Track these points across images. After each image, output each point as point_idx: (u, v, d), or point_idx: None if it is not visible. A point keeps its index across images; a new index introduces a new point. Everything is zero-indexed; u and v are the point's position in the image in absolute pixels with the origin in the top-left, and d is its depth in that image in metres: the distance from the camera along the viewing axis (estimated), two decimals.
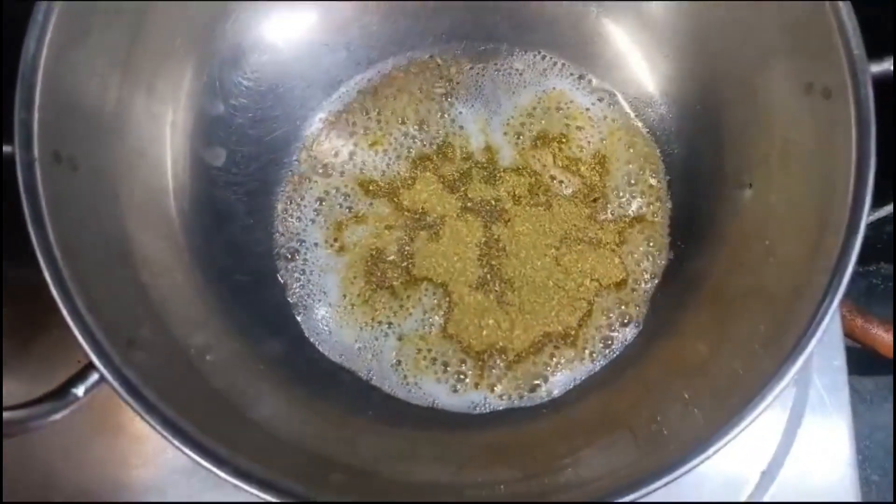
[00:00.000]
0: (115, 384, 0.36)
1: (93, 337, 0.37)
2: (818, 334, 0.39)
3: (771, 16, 0.46)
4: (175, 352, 0.45)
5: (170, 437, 0.37)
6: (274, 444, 0.44)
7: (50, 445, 0.55)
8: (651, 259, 0.55)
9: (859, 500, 0.54)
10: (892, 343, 0.71)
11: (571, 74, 0.58)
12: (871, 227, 0.73)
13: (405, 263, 0.55)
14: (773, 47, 0.46)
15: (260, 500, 0.37)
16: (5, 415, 0.35)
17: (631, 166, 0.56)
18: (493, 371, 0.52)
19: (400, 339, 0.53)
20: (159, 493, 0.54)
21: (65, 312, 0.37)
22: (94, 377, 0.37)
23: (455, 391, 0.52)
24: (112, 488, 0.55)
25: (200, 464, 0.37)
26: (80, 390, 0.36)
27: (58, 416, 0.36)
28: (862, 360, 0.74)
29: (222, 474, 0.37)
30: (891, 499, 0.76)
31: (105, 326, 0.38)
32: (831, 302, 0.39)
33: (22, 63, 0.39)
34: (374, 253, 0.55)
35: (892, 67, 0.40)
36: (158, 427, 0.37)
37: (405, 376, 0.52)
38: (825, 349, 0.57)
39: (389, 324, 0.53)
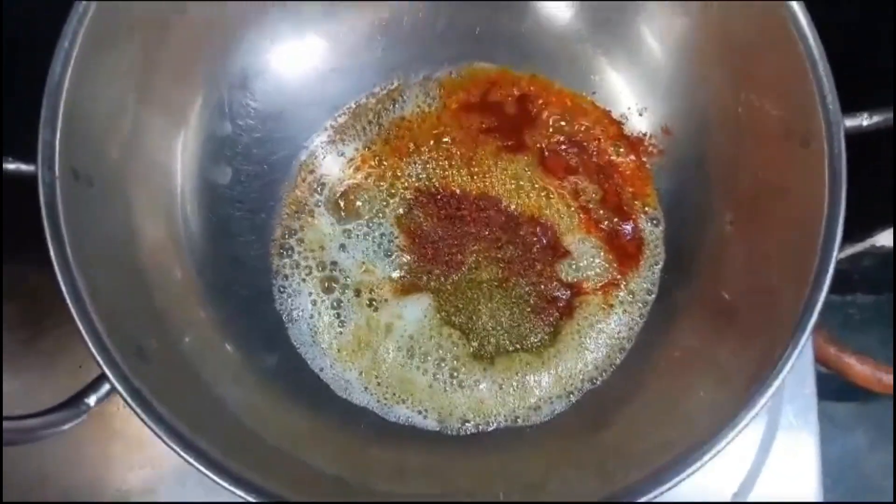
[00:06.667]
0: (126, 395, 0.38)
1: (106, 351, 0.39)
2: (789, 365, 0.41)
3: (757, 66, 0.48)
4: (178, 362, 0.47)
5: (173, 445, 0.39)
6: (268, 452, 0.46)
7: (46, 448, 0.56)
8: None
9: None
10: (863, 373, 0.73)
11: None
12: (849, 259, 0.76)
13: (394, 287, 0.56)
14: (759, 96, 0.49)
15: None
16: (20, 423, 0.36)
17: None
18: (462, 394, 0.54)
19: (361, 374, 0.54)
20: (155, 495, 0.56)
21: (81, 327, 0.38)
22: (106, 388, 0.39)
23: (424, 417, 0.54)
24: (108, 491, 0.56)
25: (202, 471, 0.39)
26: (91, 400, 0.38)
27: (69, 426, 0.38)
28: (835, 386, 0.77)
29: (221, 481, 0.39)
30: None
31: (116, 338, 0.40)
32: (802, 333, 0.42)
33: (48, 86, 0.41)
34: (361, 275, 0.56)
35: (863, 122, 0.43)
36: (165, 437, 0.38)
37: (378, 400, 0.54)
38: (797, 378, 0.59)
39: (355, 352, 0.55)
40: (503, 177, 0.58)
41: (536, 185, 0.58)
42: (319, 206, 0.58)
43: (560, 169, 0.58)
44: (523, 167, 0.58)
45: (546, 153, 0.59)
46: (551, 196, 0.58)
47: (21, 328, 0.59)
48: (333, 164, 0.58)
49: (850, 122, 0.43)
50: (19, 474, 0.56)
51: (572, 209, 0.58)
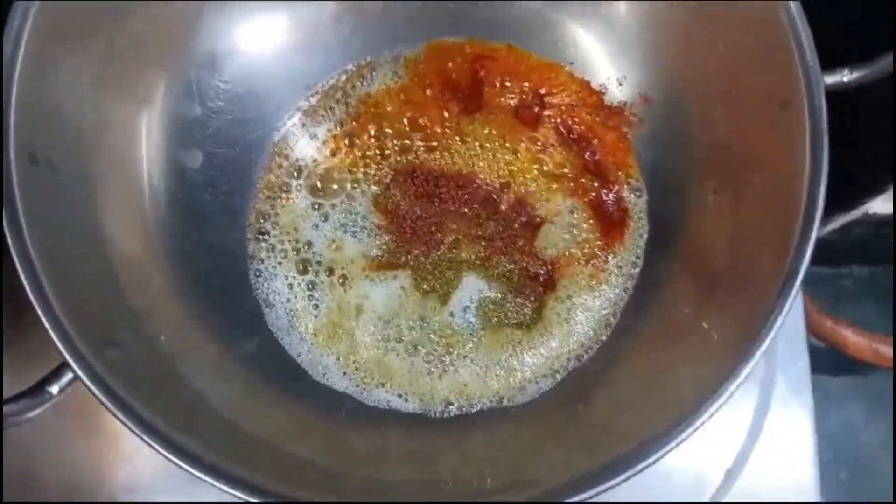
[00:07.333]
0: (88, 382, 0.37)
1: (67, 336, 0.38)
2: (772, 333, 0.40)
3: (733, 27, 0.47)
4: (152, 352, 0.46)
5: (142, 435, 0.38)
6: (249, 443, 0.45)
7: (30, 443, 0.56)
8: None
9: (819, 499, 0.56)
10: (859, 345, 0.73)
11: None
12: (841, 230, 0.75)
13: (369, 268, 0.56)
14: (736, 58, 0.48)
15: (239, 501, 0.38)
16: None
17: None
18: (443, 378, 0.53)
19: (338, 358, 0.54)
20: (137, 490, 0.55)
21: (39, 311, 0.37)
22: (69, 376, 0.38)
23: (406, 401, 0.53)
24: (91, 486, 0.56)
25: (173, 461, 0.38)
26: (54, 388, 0.37)
27: (32, 415, 0.37)
28: (831, 360, 0.76)
29: (196, 472, 0.38)
30: (857, 497, 0.78)
31: (80, 326, 0.39)
32: (785, 300, 0.41)
33: None
34: (335, 256, 0.56)
35: (844, 78, 0.42)
36: (130, 424, 0.38)
37: (357, 385, 0.53)
38: (790, 351, 0.58)
39: (331, 337, 0.54)
40: (477, 144, 0.57)
41: (511, 148, 0.57)
42: (294, 189, 0.57)
43: (532, 121, 0.57)
44: (498, 130, 0.57)
45: (519, 110, 0.58)
46: (528, 157, 0.57)
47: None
48: (306, 145, 0.57)
49: (830, 79, 0.42)
50: (6, 474, 0.56)
51: (553, 173, 0.57)
